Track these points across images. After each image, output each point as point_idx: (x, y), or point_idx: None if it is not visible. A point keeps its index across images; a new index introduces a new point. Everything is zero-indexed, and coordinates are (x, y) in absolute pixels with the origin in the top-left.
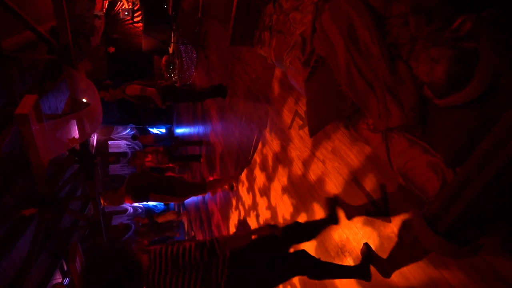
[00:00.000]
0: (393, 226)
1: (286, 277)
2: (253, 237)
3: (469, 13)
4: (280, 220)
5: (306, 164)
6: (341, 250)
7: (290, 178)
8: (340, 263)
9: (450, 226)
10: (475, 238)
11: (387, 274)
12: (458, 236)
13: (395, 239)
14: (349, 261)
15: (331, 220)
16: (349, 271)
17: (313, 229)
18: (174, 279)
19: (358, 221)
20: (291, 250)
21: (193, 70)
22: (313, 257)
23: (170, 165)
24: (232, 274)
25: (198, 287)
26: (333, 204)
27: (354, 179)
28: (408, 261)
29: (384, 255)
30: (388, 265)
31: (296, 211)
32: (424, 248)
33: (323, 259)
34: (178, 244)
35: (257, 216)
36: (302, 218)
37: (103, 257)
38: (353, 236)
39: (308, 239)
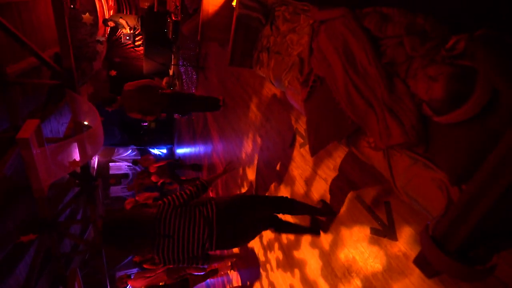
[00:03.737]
0: (400, 245)
1: (261, 227)
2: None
3: (463, 33)
4: (284, 240)
5: (309, 182)
6: (348, 270)
7: (292, 197)
8: (348, 284)
9: (460, 245)
10: (487, 256)
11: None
12: (470, 255)
13: (402, 258)
14: (356, 282)
15: (325, 213)
16: (305, 229)
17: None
18: (179, 210)
19: (364, 240)
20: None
21: (194, 91)
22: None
23: (168, 180)
24: (219, 211)
25: (195, 220)
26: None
27: (358, 197)
28: (417, 281)
29: (391, 275)
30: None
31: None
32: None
33: (329, 279)
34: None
35: (261, 236)
36: (306, 239)
37: (116, 224)
38: (359, 255)
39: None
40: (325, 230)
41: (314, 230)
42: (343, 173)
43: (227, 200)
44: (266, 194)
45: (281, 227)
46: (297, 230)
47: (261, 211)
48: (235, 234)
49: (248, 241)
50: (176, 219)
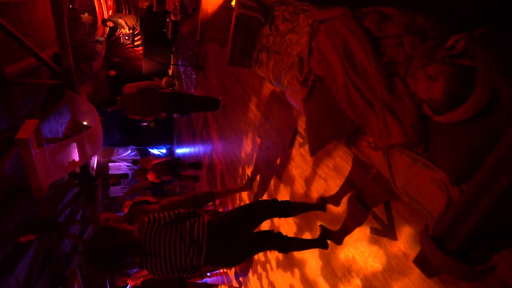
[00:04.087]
0: (400, 244)
1: (257, 248)
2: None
3: (462, 32)
4: None
5: (308, 182)
6: (348, 270)
7: (292, 197)
8: (347, 284)
9: (460, 245)
10: (488, 255)
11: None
12: (470, 255)
13: (402, 257)
14: (356, 282)
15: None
16: (311, 243)
17: (296, 208)
18: (164, 229)
19: (363, 239)
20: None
21: (193, 91)
22: (282, 235)
23: (167, 178)
24: (211, 235)
25: (182, 240)
26: (322, 205)
27: (357, 196)
28: (417, 281)
29: (391, 274)
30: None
31: (300, 230)
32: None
33: (329, 279)
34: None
35: None
36: (306, 237)
37: (99, 245)
38: (359, 255)
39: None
40: (338, 242)
41: (322, 243)
42: (342, 172)
43: (219, 220)
44: (265, 195)
45: (286, 246)
46: (304, 245)
47: (256, 221)
48: (227, 258)
49: (242, 261)
50: (161, 238)
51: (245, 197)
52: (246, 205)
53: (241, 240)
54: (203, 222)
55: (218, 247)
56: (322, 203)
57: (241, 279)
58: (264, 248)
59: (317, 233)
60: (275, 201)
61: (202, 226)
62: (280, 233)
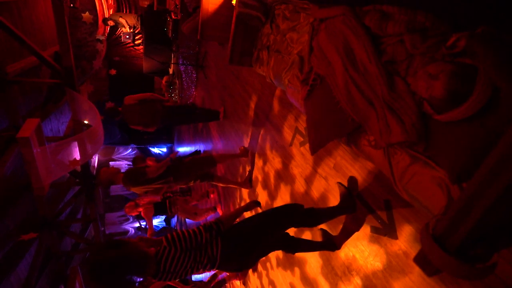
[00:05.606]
0: (400, 243)
1: (270, 250)
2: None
3: (463, 31)
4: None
5: (309, 181)
6: (348, 269)
7: (292, 195)
8: (348, 283)
9: (460, 243)
10: (488, 254)
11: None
12: (470, 254)
13: (402, 256)
14: (356, 281)
15: (347, 209)
16: (318, 246)
17: (322, 216)
18: (186, 256)
19: (364, 238)
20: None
21: (193, 90)
22: (294, 238)
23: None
24: (225, 246)
25: (201, 258)
26: (348, 192)
27: (358, 195)
28: (418, 279)
29: (392, 273)
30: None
31: (300, 229)
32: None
33: (330, 278)
34: (187, 229)
35: None
36: (306, 237)
37: (107, 259)
38: (359, 254)
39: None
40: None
41: (330, 245)
42: (342, 171)
43: (236, 231)
44: (265, 193)
45: (294, 247)
46: (312, 247)
47: (273, 235)
48: (239, 265)
49: (252, 265)
50: (180, 262)
51: (245, 195)
52: (266, 215)
53: (257, 249)
54: (217, 237)
55: (232, 258)
56: (349, 203)
57: (241, 277)
58: (276, 249)
59: (317, 232)
60: (299, 209)
61: (216, 242)
62: (292, 236)
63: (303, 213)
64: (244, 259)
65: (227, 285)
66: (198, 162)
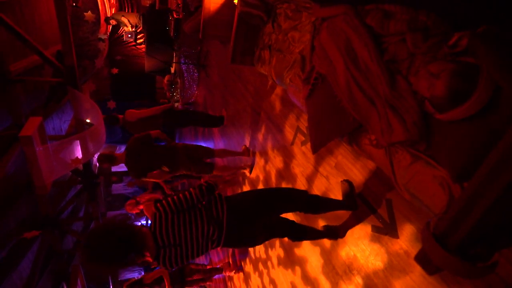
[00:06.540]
0: (401, 242)
1: (273, 234)
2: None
3: (465, 30)
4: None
5: (310, 180)
6: (349, 268)
7: None
8: (349, 282)
9: (461, 242)
10: (489, 253)
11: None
12: (471, 253)
13: (403, 255)
14: (357, 280)
15: (349, 206)
16: (321, 234)
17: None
18: (181, 218)
19: (365, 237)
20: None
21: (195, 89)
22: (300, 225)
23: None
24: (231, 211)
25: (202, 223)
26: (350, 191)
27: (359, 194)
28: (419, 279)
29: (392, 272)
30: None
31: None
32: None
33: (330, 277)
34: (179, 193)
35: None
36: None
37: (103, 233)
38: (360, 253)
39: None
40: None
41: (333, 234)
42: (344, 170)
43: (240, 197)
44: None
45: (300, 235)
46: (316, 235)
47: (280, 211)
48: (245, 237)
49: (258, 244)
50: (177, 227)
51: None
52: (269, 189)
53: (259, 226)
54: (221, 199)
55: (236, 227)
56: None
57: (242, 276)
58: (278, 235)
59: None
60: (305, 194)
61: (221, 203)
62: (299, 224)
63: (308, 194)
64: (248, 229)
65: (228, 284)
66: (193, 146)
